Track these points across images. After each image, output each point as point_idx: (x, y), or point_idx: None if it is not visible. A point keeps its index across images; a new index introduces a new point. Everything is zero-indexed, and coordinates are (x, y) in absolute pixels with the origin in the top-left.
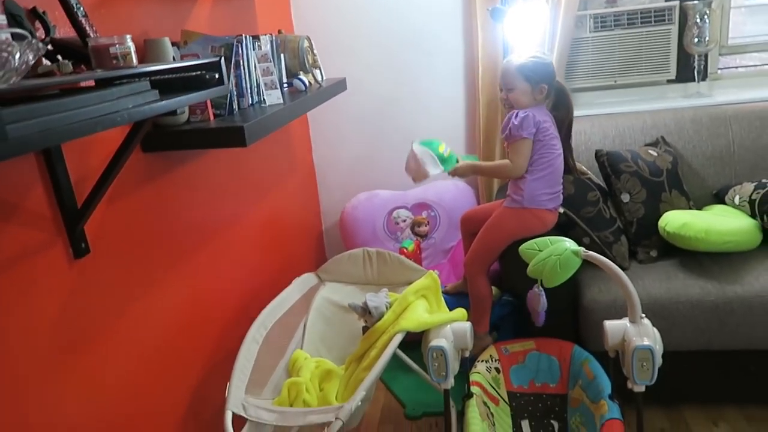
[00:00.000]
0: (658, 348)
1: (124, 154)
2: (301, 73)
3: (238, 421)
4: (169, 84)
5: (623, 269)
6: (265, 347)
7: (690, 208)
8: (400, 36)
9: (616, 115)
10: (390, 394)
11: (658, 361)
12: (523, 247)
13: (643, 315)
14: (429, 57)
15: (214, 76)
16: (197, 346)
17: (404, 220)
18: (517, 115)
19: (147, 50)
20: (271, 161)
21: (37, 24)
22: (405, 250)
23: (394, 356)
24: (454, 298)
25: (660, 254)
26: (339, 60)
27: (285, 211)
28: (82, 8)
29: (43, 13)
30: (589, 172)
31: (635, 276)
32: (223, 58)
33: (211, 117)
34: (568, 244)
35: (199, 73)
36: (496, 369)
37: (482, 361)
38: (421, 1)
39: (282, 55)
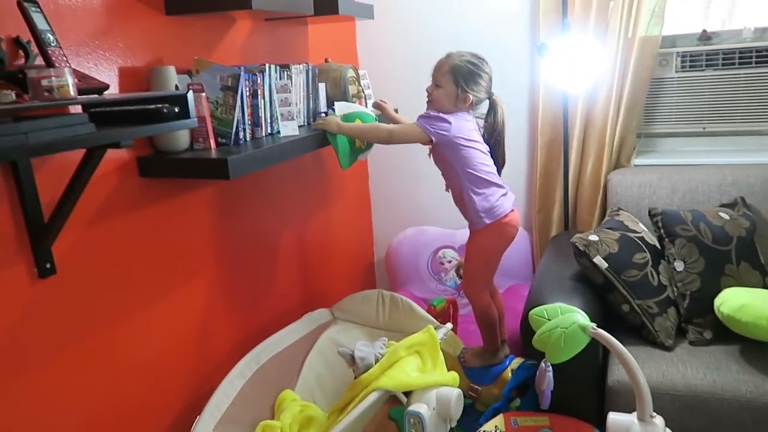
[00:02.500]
0: None
1: (80, 178)
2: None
3: None
4: (126, 115)
5: (665, 348)
6: (255, 382)
7: (765, 287)
8: None
9: (692, 168)
10: None
11: None
12: (533, 313)
13: (654, 414)
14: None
15: (173, 110)
16: (181, 378)
17: (450, 261)
18: (437, 113)
19: (151, 78)
20: (310, 188)
21: (21, 53)
22: (433, 308)
23: None
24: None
25: (715, 337)
26: (397, 91)
27: (326, 240)
28: (51, 38)
29: (27, 42)
30: None
31: (678, 359)
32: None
33: (213, 146)
34: (579, 317)
35: (156, 106)
36: None
37: (484, 431)
38: (487, 34)
39: (323, 85)
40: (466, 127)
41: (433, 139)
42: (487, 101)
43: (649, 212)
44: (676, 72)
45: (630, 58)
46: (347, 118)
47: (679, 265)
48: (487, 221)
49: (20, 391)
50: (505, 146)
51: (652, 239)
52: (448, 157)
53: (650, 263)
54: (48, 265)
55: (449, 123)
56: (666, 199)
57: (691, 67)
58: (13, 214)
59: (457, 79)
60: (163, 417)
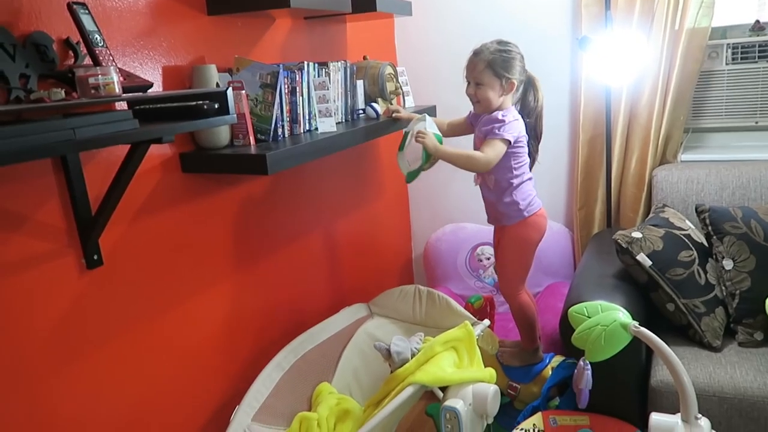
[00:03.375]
0: None
1: (124, 173)
2: (380, 100)
3: None
4: (168, 112)
5: (712, 349)
6: (293, 374)
7: None
8: None
9: (743, 163)
10: None
11: None
12: (573, 310)
13: (699, 416)
14: None
15: (213, 107)
16: (222, 369)
17: (488, 258)
18: (504, 116)
19: (193, 76)
20: (349, 184)
21: (71, 53)
22: (471, 305)
23: None
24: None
25: (766, 338)
26: (435, 87)
27: (365, 235)
28: (99, 39)
29: (77, 43)
30: None
31: (726, 361)
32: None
33: (253, 142)
34: (620, 315)
35: (197, 103)
36: None
37: (522, 429)
38: (527, 28)
39: (361, 82)
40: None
41: (512, 140)
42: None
43: (696, 209)
44: (727, 64)
45: (677, 51)
46: (438, 137)
47: (728, 264)
48: (526, 215)
49: (70, 377)
50: (543, 122)
51: (700, 237)
52: (509, 154)
53: (697, 261)
54: (95, 257)
55: (518, 120)
56: (714, 196)
57: (742, 59)
58: (63, 207)
59: (497, 70)
60: (204, 405)
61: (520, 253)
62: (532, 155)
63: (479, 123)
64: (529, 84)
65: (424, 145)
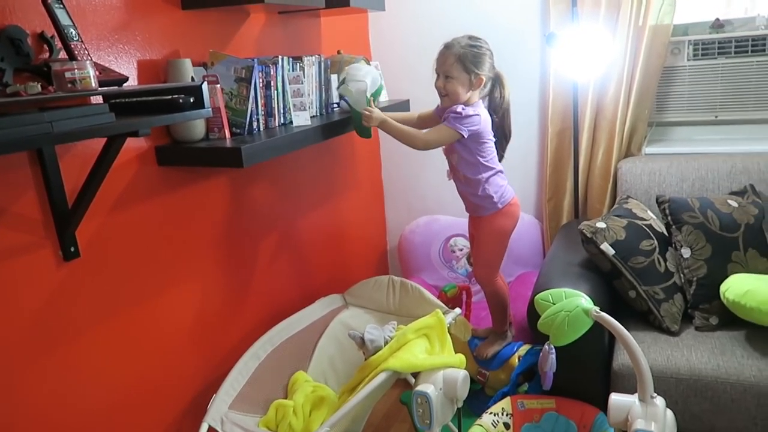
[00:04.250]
0: None
1: (101, 166)
2: None
3: None
4: (144, 106)
5: (670, 333)
6: (269, 363)
7: None
8: None
9: (702, 156)
10: None
11: None
12: (538, 297)
13: (655, 395)
14: None
15: (189, 101)
16: (199, 359)
17: (461, 249)
18: (463, 109)
19: (168, 70)
20: (324, 176)
21: (46, 47)
22: (444, 294)
23: None
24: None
25: (721, 323)
26: (409, 81)
27: (340, 228)
28: (74, 33)
29: (51, 37)
30: None
31: (683, 344)
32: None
33: (228, 135)
34: (583, 301)
35: (172, 97)
36: (505, 424)
37: (491, 413)
38: (498, 24)
39: (335, 76)
40: (488, 117)
41: (465, 135)
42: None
43: (657, 199)
44: (689, 60)
45: (641, 47)
46: (376, 93)
47: (686, 252)
48: (500, 206)
49: (47, 367)
50: (511, 120)
51: (660, 227)
52: (471, 148)
53: (657, 250)
54: (72, 249)
55: (479, 116)
56: (675, 187)
57: (703, 55)
58: (39, 200)
59: (466, 65)
60: (181, 395)
61: (496, 242)
62: (499, 153)
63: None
64: (497, 81)
65: (368, 121)
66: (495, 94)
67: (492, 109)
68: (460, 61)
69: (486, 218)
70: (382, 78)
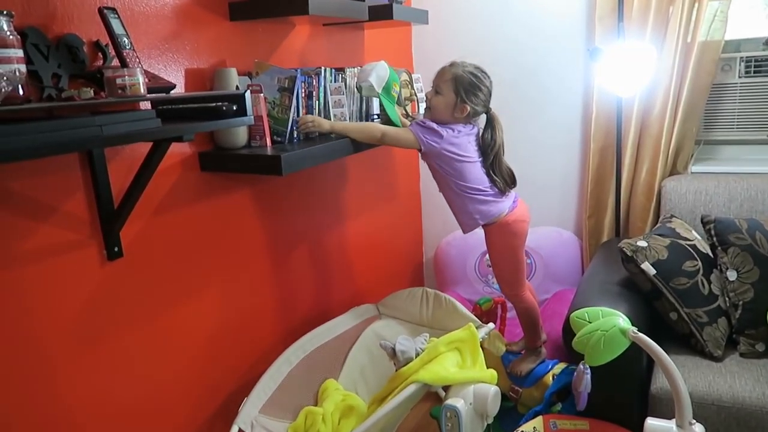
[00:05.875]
0: None
1: (146, 169)
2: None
3: None
4: (189, 112)
5: (713, 359)
6: (300, 370)
7: None
8: (518, 72)
9: (751, 176)
10: None
11: None
12: (574, 315)
13: (694, 421)
14: (545, 95)
15: (232, 108)
16: (231, 361)
17: None
18: (431, 123)
19: (214, 79)
20: (362, 187)
21: (100, 55)
22: (479, 307)
23: None
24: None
25: None
26: None
27: (376, 238)
28: (127, 42)
29: (106, 45)
30: None
31: (726, 370)
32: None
33: (269, 143)
34: (620, 321)
35: (216, 104)
36: None
37: (522, 431)
38: (542, 38)
39: None
40: (463, 142)
41: (422, 148)
42: (485, 116)
43: (702, 219)
44: (740, 77)
45: (689, 63)
46: (388, 86)
47: (731, 275)
48: (481, 222)
49: (87, 363)
50: (504, 161)
51: (705, 247)
52: (435, 166)
53: (701, 271)
54: (116, 249)
55: (441, 137)
56: (722, 207)
57: (756, 72)
58: (87, 200)
59: (458, 88)
60: (214, 395)
61: (503, 260)
62: (498, 186)
63: None
64: (490, 122)
65: (315, 130)
66: (486, 135)
67: (483, 149)
68: (454, 82)
69: (488, 235)
70: (390, 68)
